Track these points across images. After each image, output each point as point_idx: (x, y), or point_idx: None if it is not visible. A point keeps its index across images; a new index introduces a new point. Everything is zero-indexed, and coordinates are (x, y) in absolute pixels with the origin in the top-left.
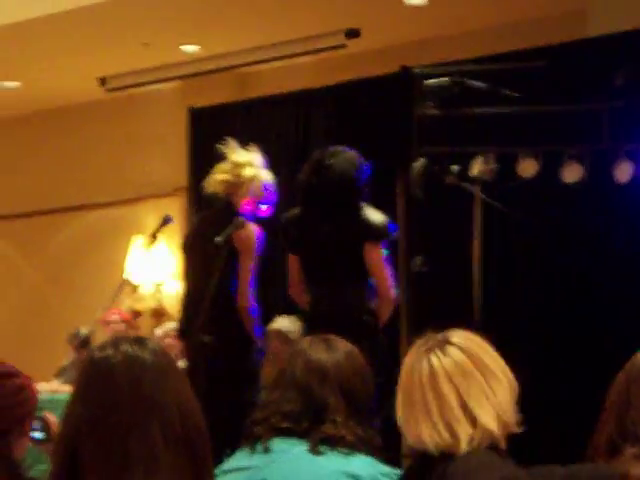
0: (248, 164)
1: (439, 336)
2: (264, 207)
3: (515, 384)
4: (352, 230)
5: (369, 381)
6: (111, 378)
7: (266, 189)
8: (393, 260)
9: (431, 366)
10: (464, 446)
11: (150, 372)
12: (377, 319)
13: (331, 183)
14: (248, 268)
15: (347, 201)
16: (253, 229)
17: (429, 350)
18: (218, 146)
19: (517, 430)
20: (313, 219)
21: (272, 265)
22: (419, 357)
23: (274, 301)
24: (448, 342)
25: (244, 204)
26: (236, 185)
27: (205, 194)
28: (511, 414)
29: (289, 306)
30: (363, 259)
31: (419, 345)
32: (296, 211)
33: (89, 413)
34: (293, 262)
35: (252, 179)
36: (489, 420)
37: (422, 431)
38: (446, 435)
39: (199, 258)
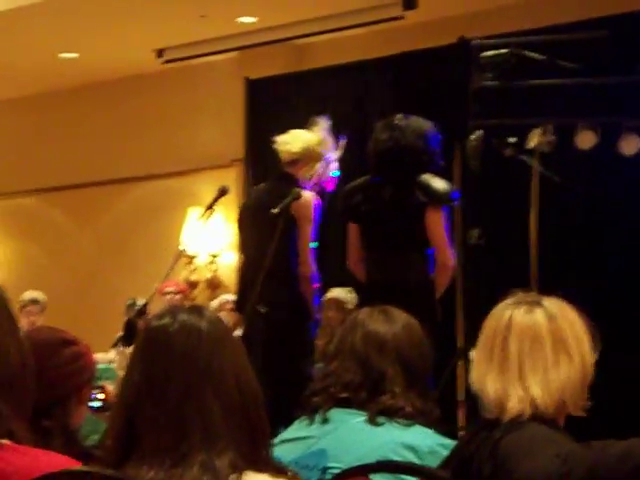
0: (326, 143)
1: (532, 295)
2: (327, 183)
3: (589, 370)
4: (414, 194)
5: (427, 353)
6: (168, 346)
7: (331, 171)
8: (450, 233)
9: (510, 319)
10: (512, 406)
11: (207, 341)
12: (434, 289)
13: (402, 145)
14: (308, 236)
15: (414, 164)
16: (311, 197)
17: (517, 304)
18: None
19: (579, 414)
20: (377, 184)
21: (327, 237)
22: (505, 308)
23: (329, 272)
24: (538, 303)
25: (308, 181)
26: (309, 159)
27: (278, 151)
28: (571, 394)
29: (344, 278)
30: (424, 226)
31: (508, 300)
32: (361, 179)
33: (146, 381)
34: (353, 231)
35: (323, 158)
36: (538, 390)
37: (486, 379)
38: (500, 392)
39: (256, 229)
